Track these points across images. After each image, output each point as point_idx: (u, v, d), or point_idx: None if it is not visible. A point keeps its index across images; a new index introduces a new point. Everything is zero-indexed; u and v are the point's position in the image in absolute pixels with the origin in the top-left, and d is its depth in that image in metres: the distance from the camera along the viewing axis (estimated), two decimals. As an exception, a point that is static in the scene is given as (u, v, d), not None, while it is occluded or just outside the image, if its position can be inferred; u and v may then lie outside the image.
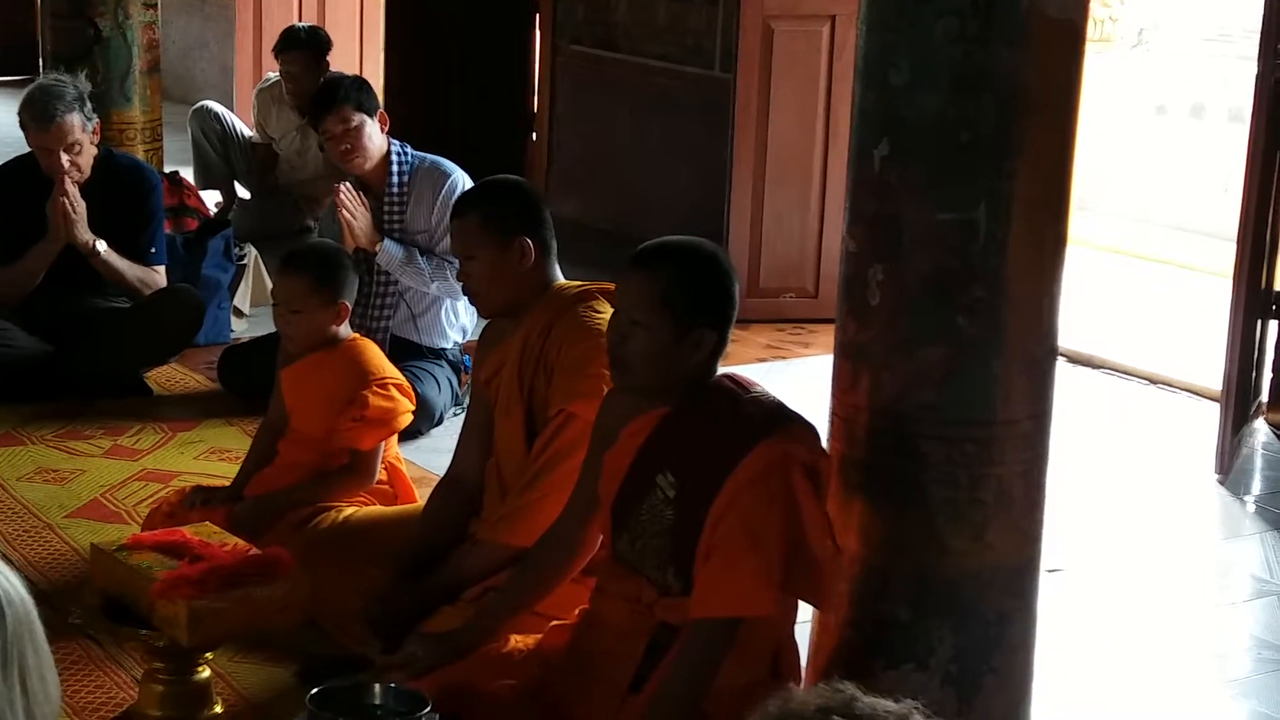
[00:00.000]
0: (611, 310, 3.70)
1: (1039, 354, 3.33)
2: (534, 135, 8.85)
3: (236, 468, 4.42)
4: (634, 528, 3.21)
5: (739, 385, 3.20)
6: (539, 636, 3.43)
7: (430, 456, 5.03)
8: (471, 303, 3.89)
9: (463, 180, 5.46)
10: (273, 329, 5.61)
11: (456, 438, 5.18)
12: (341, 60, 8.57)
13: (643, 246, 3.25)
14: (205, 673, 3.40)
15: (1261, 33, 5.14)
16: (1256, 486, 5.21)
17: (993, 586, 3.35)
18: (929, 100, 3.18)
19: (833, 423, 3.38)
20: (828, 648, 3.44)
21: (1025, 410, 3.32)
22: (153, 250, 5.58)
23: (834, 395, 3.42)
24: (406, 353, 5.41)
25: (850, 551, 3.30)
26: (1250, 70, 5.29)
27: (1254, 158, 5.19)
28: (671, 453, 3.16)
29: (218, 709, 3.42)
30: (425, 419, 5.30)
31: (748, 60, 6.74)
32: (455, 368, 5.55)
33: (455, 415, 5.53)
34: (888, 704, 1.47)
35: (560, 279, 3.87)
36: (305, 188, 7.86)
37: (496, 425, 3.85)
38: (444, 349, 5.54)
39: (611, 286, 3.76)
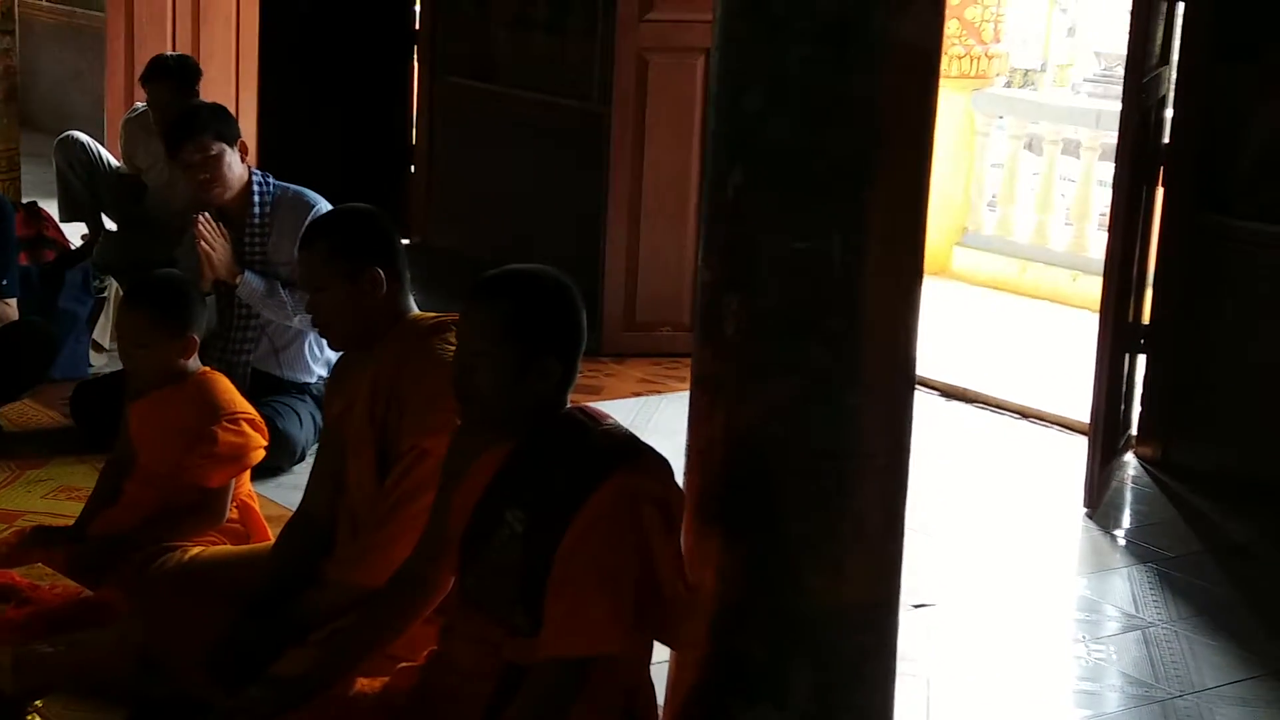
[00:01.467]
0: (462, 342, 3.63)
1: (896, 385, 3.28)
2: (413, 168, 8.74)
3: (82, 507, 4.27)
4: (482, 565, 3.11)
5: (590, 417, 3.12)
6: (385, 680, 3.31)
7: (291, 494, 4.89)
8: (321, 335, 3.78)
9: (326, 210, 5.34)
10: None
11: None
12: (215, 92, 8.39)
13: (483, 276, 3.16)
14: (35, 720, 3.26)
15: (1126, 72, 5.16)
16: (1125, 520, 5.21)
17: (851, 622, 3.29)
18: (782, 127, 3.12)
19: (689, 456, 3.31)
20: (685, 687, 3.36)
21: (883, 443, 3.27)
22: (3, 282, 5.41)
23: (690, 427, 3.35)
24: (269, 387, 5.28)
25: (707, 588, 3.23)
26: (1115, 120, 5.31)
27: (1120, 193, 5.21)
28: (520, 488, 3.07)
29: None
30: (287, 456, 5.18)
31: (623, 93, 6.69)
32: (319, 402, 5.41)
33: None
34: None
35: (414, 310, 3.77)
36: (174, 219, 7.67)
37: (348, 461, 3.73)
38: (308, 383, 5.41)
39: (466, 318, 3.68)
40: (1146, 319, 5.68)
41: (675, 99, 6.65)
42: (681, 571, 3.07)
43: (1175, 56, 5.46)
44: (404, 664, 3.32)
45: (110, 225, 7.84)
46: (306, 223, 5.23)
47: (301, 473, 5.22)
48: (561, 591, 2.97)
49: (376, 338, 3.69)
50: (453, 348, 3.60)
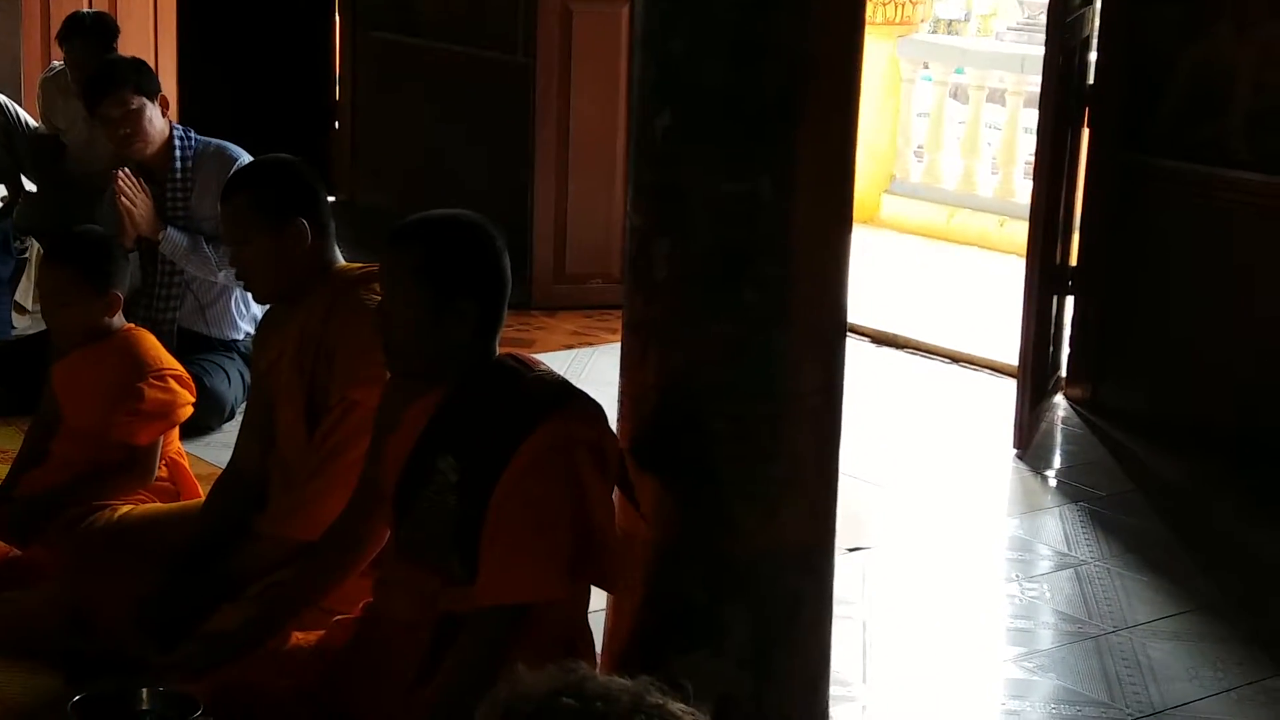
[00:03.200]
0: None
1: (827, 328, 3.27)
2: (336, 124, 8.65)
3: (4, 467, 4.21)
4: (416, 515, 3.09)
5: (521, 364, 3.10)
6: (321, 633, 3.29)
7: (220, 453, 4.84)
8: (246, 288, 3.73)
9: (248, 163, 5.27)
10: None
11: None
12: (133, 50, 8.21)
13: (399, 224, 3.13)
14: (-35, 683, 3.22)
15: (1048, 19, 5.17)
16: (1056, 460, 5.24)
17: (787, 565, 3.29)
18: (710, 69, 3.10)
19: (622, 402, 3.30)
20: (622, 633, 3.35)
21: (814, 385, 3.27)
22: (-80, 243, 5.32)
23: (622, 373, 3.33)
24: (195, 345, 5.22)
25: (642, 534, 3.22)
26: (1039, 65, 5.32)
27: (1044, 138, 5.23)
28: (453, 436, 3.05)
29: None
30: (216, 414, 5.13)
31: (547, 44, 6.65)
32: (247, 360, 5.34)
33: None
34: (622, 681, 1.38)
35: (340, 260, 3.73)
36: (94, 180, 7.56)
37: (277, 415, 3.69)
38: (235, 340, 5.35)
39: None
40: (1074, 261, 5.71)
41: (600, 49, 6.61)
42: (622, 512, 3.05)
43: (1099, -1, 5.48)
44: (339, 617, 3.30)
45: (30, 186, 7.71)
46: (229, 176, 5.21)
47: (231, 431, 5.16)
48: (497, 538, 2.95)
49: (303, 290, 3.65)
50: (379, 298, 3.58)
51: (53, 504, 3.90)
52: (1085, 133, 5.58)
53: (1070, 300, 5.71)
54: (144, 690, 3.01)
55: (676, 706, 1.38)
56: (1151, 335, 5.51)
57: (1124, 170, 5.49)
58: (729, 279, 3.16)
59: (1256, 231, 5.22)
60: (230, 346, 5.34)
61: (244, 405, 5.27)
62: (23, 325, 6.03)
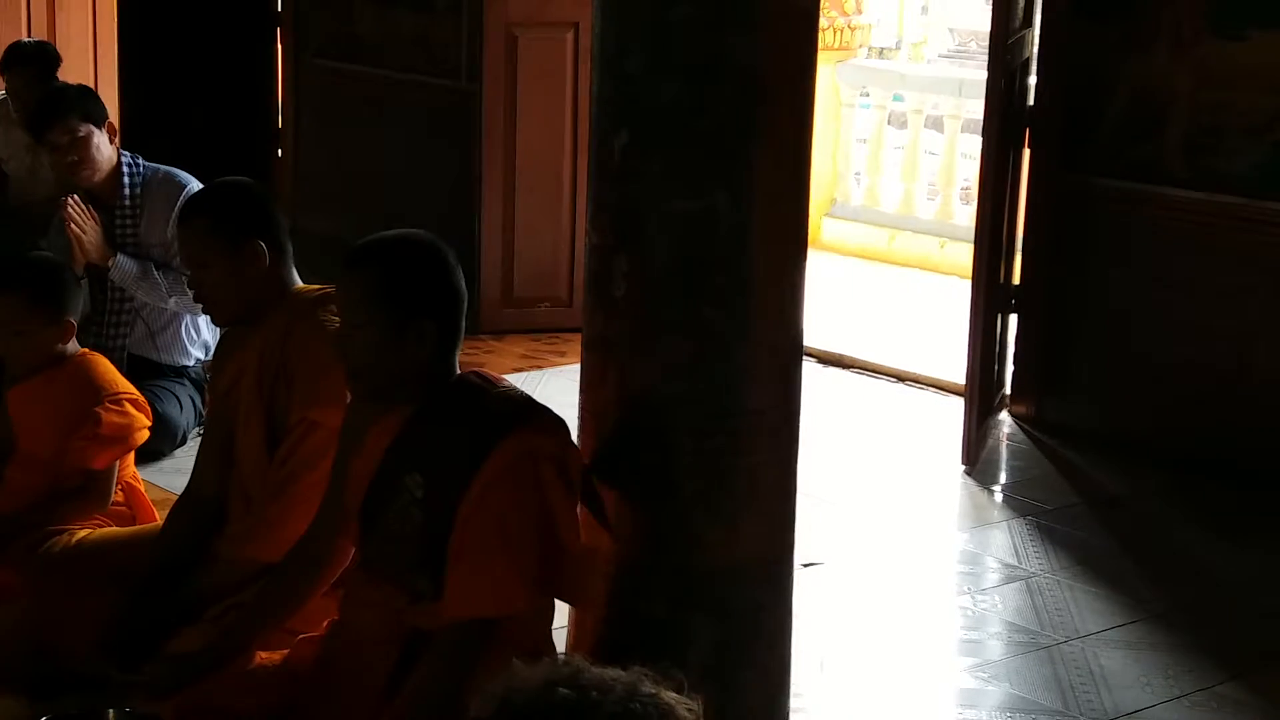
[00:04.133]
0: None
1: (784, 342, 3.32)
2: (279, 151, 8.64)
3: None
4: (383, 532, 3.10)
5: (485, 380, 3.13)
6: (285, 652, 3.29)
7: (173, 478, 4.84)
8: (205, 311, 3.74)
9: (198, 189, 5.28)
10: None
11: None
12: (74, 78, 8.24)
13: (353, 247, 3.16)
14: (-74, 706, 3.20)
15: (990, 44, 5.25)
16: (1002, 476, 5.31)
17: (748, 578, 3.33)
18: (666, 88, 3.14)
19: (583, 419, 3.33)
20: (585, 648, 3.38)
21: (773, 400, 3.31)
22: None
23: (583, 390, 3.37)
24: (146, 372, 5.20)
25: (605, 549, 3.25)
26: (978, 88, 5.40)
27: (987, 160, 5.31)
28: (418, 453, 3.07)
29: None
30: (167, 440, 5.12)
31: (493, 69, 6.69)
32: (198, 385, 5.36)
33: (199, 435, 5.34)
34: (616, 672, 1.42)
35: (298, 282, 3.74)
36: (37, 209, 7.53)
37: (237, 436, 3.69)
38: (186, 366, 5.35)
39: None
40: (1016, 280, 5.79)
41: (545, 74, 6.66)
42: (585, 526, 3.08)
43: (1038, 18, 5.57)
44: (304, 635, 3.31)
45: (-31, 216, 7.67)
46: (179, 203, 5.20)
47: (182, 456, 5.18)
48: (463, 554, 2.97)
49: (261, 312, 3.66)
50: (338, 319, 3.60)
51: (9, 529, 3.88)
52: (1026, 153, 5.66)
53: (1014, 318, 5.79)
54: (110, 710, 3.01)
55: (670, 696, 1.42)
56: (1094, 351, 5.60)
57: (1064, 190, 5.58)
58: (688, 295, 3.20)
59: (1194, 248, 5.32)
60: (181, 372, 5.34)
61: (195, 431, 5.32)
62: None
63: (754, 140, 3.16)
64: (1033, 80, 5.66)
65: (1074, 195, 5.55)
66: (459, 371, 3.16)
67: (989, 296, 5.43)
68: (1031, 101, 5.65)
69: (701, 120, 3.14)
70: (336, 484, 3.30)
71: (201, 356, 5.41)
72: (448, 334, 3.09)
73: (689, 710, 1.42)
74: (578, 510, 3.10)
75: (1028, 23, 5.54)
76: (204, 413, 5.36)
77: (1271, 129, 5.07)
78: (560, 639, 3.31)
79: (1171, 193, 5.31)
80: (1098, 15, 5.42)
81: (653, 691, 1.40)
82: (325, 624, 3.30)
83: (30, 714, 3.21)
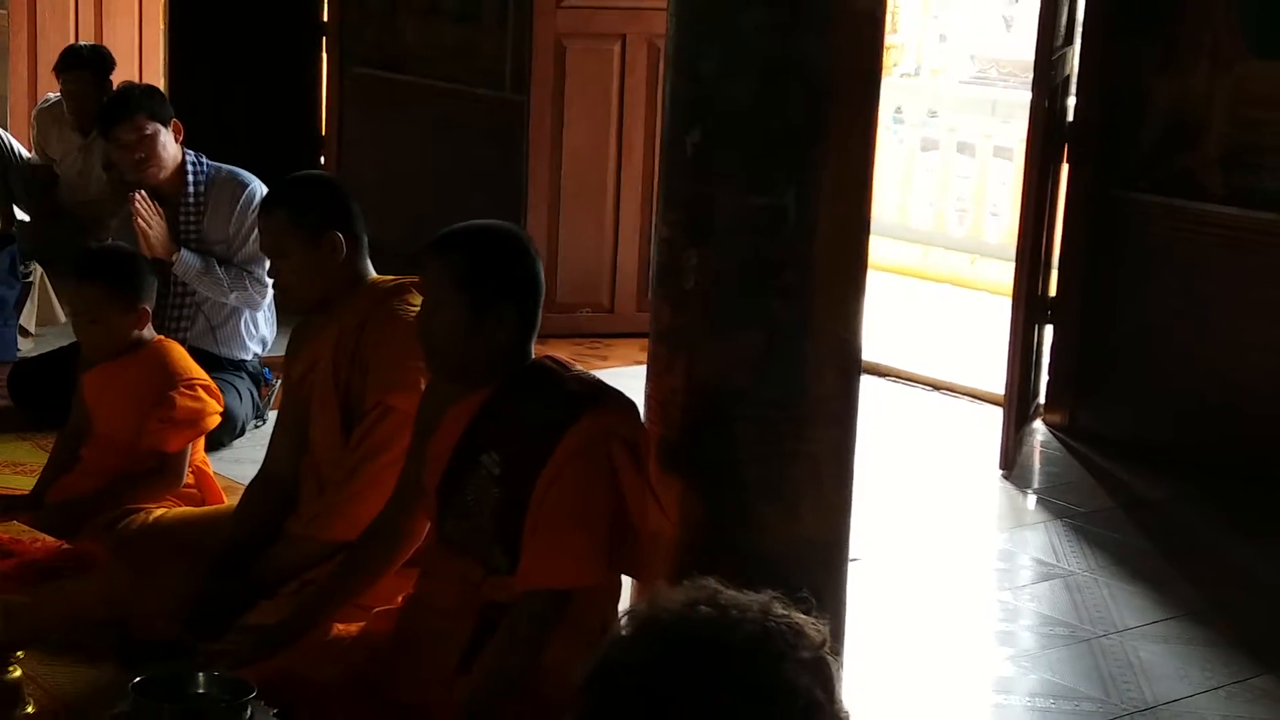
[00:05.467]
0: (426, 303, 3.75)
1: (846, 334, 3.46)
2: (322, 159, 8.79)
3: (32, 481, 4.34)
4: (460, 509, 3.24)
5: (559, 364, 3.27)
6: (362, 624, 3.42)
7: (232, 467, 4.99)
8: (284, 299, 3.88)
9: (260, 190, 5.43)
10: (62, 344, 5.53)
11: (258, 448, 5.16)
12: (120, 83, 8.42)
13: (441, 232, 3.30)
14: (17, 673, 3.32)
15: (1035, 68, 5.38)
16: (1039, 480, 5.43)
17: (805, 562, 3.46)
18: (738, 89, 3.29)
19: (648, 406, 3.46)
20: (647, 628, 3.51)
21: (834, 389, 3.45)
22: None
23: (649, 379, 3.51)
24: (206, 365, 5.25)
25: (668, 532, 3.38)
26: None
27: (1030, 180, 5.45)
28: (495, 432, 3.20)
29: (30, 709, 3.33)
30: (227, 430, 5.25)
31: (541, 80, 6.83)
32: (255, 379, 5.50)
33: (256, 427, 5.49)
34: (751, 594, 1.55)
35: (372, 273, 3.88)
36: (88, 209, 7.69)
37: (312, 421, 3.83)
38: (244, 360, 5.49)
39: (425, 280, 3.80)
40: (1053, 292, 5.92)
41: (592, 84, 6.80)
42: (651, 506, 3.21)
43: (1078, 37, 5.71)
44: (380, 608, 3.43)
45: (22, 216, 7.82)
46: (241, 201, 5.37)
47: (241, 447, 5.33)
48: (538, 528, 3.10)
49: (337, 301, 3.80)
50: (413, 308, 3.74)
51: (86, 508, 4.02)
52: (1065, 167, 5.80)
53: (1049, 329, 5.92)
54: (200, 674, 3.13)
55: (800, 617, 1.54)
56: (1128, 362, 5.73)
57: (1102, 204, 5.71)
58: (755, 289, 3.34)
59: (1228, 262, 5.44)
60: (239, 366, 5.48)
61: (253, 423, 5.46)
62: (27, 348, 6.13)
63: (823, 140, 3.30)
64: (1072, 99, 5.80)
65: (1111, 210, 5.68)
66: (532, 357, 3.29)
67: (1028, 308, 5.55)
68: (1071, 118, 5.78)
69: (772, 120, 3.28)
70: (412, 464, 3.43)
71: (259, 351, 5.55)
72: (526, 320, 3.22)
73: (817, 631, 1.54)
74: (650, 488, 3.23)
75: (1068, 41, 5.67)
76: (260, 405, 5.51)
77: (1307, 147, 5.20)
78: (623, 618, 3.43)
79: (1207, 208, 5.44)
80: (1137, 34, 5.56)
81: (785, 613, 1.53)
82: (400, 598, 3.43)
83: (117, 679, 3.33)
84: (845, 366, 3.47)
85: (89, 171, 7.71)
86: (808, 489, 3.43)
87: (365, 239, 3.87)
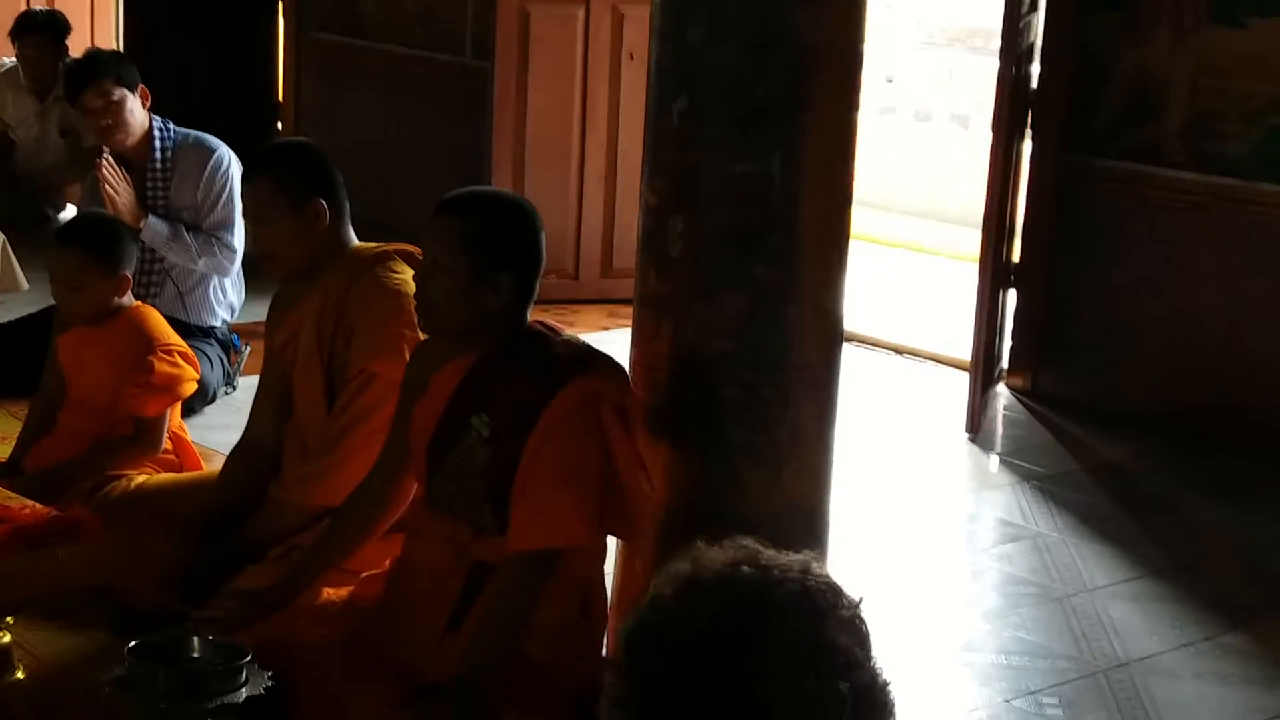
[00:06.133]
0: (409, 270, 3.77)
1: (829, 301, 3.50)
2: (279, 125, 8.76)
3: (7, 449, 4.33)
4: (449, 470, 3.26)
5: (549, 329, 3.30)
6: (351, 588, 3.45)
7: (205, 433, 4.98)
8: (267, 266, 3.89)
9: (228, 155, 5.43)
10: (28, 311, 5.52)
11: (230, 415, 5.19)
12: (73, 49, 8.35)
13: (449, 194, 3.32)
14: (6, 639, 3.33)
15: (1003, 36, 5.43)
16: (1005, 444, 5.51)
17: (789, 526, 3.50)
18: (725, 57, 3.32)
19: (634, 372, 3.50)
20: (632, 591, 3.55)
21: (818, 355, 3.50)
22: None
23: (635, 345, 3.54)
24: (175, 331, 5.32)
25: (655, 496, 3.42)
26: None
27: (997, 147, 5.51)
28: (485, 394, 3.23)
29: (19, 674, 3.35)
30: (199, 397, 5.24)
31: (505, 46, 6.83)
32: (225, 346, 5.50)
33: (227, 394, 5.50)
34: (788, 554, 1.58)
35: (355, 240, 3.89)
36: (45, 175, 7.67)
37: (295, 388, 3.84)
38: (213, 327, 5.49)
39: (408, 247, 3.82)
40: (1016, 258, 5.98)
41: (556, 50, 6.81)
42: (642, 468, 3.25)
43: (1043, 5, 5.76)
44: (368, 572, 3.46)
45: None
46: (209, 168, 5.37)
47: (212, 413, 5.33)
48: (527, 489, 3.13)
49: (320, 268, 3.81)
50: (396, 275, 3.77)
51: (65, 475, 4.02)
52: (1029, 134, 5.86)
53: (1013, 294, 5.98)
54: (194, 638, 3.15)
55: (837, 580, 1.58)
56: (1090, 326, 5.81)
57: (1065, 171, 5.78)
58: (741, 255, 3.37)
59: (1190, 228, 5.52)
60: (209, 333, 5.47)
61: (224, 390, 5.46)
62: (-11, 313, 6.09)
63: (807, 108, 3.33)
64: (1036, 67, 5.85)
65: (1074, 176, 5.75)
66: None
67: (994, 273, 5.62)
68: (1035, 86, 5.84)
69: (758, 88, 3.31)
70: (399, 428, 3.44)
71: (228, 317, 5.55)
72: (523, 289, 3.25)
73: (851, 590, 1.58)
74: (638, 450, 3.27)
75: (1033, 8, 5.72)
76: (230, 371, 5.51)
77: (1268, 114, 5.28)
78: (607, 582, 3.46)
79: (1169, 174, 5.52)
80: (1101, 2, 5.62)
81: (824, 572, 1.57)
82: (387, 562, 3.46)
83: (110, 645, 3.35)
84: (828, 332, 3.51)
85: (46, 137, 7.68)
86: (791, 453, 3.48)
87: (347, 206, 3.88)
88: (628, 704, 1.50)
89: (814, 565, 1.55)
